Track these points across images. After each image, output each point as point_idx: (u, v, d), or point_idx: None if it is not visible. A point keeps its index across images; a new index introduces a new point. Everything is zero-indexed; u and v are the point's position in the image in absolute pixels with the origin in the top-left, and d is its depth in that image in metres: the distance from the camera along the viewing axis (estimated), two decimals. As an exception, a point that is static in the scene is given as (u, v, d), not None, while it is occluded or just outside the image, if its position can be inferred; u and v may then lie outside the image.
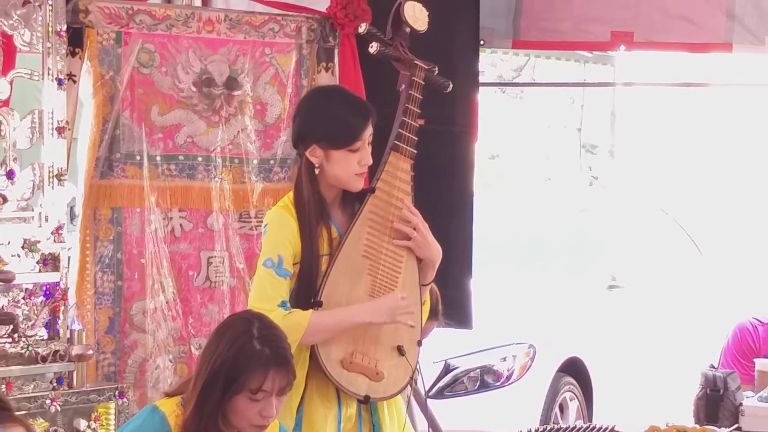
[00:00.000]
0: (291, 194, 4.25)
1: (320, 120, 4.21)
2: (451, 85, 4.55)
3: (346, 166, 4.20)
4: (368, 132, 4.23)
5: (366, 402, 4.21)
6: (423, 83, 4.41)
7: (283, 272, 4.11)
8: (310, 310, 4.10)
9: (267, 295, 4.08)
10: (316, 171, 4.20)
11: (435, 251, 4.31)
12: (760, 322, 6.39)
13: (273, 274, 4.10)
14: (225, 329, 3.67)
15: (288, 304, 4.09)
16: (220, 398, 3.55)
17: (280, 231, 4.15)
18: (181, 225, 5.46)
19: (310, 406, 4.18)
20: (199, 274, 5.46)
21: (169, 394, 3.72)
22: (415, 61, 4.42)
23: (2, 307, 4.82)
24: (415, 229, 4.26)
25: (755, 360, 6.04)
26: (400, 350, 4.23)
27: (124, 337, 5.33)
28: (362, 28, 4.50)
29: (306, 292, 4.15)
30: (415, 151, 4.35)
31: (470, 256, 5.86)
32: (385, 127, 4.38)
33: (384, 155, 4.32)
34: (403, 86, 4.41)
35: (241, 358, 3.56)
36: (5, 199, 4.78)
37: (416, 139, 4.36)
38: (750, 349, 6.36)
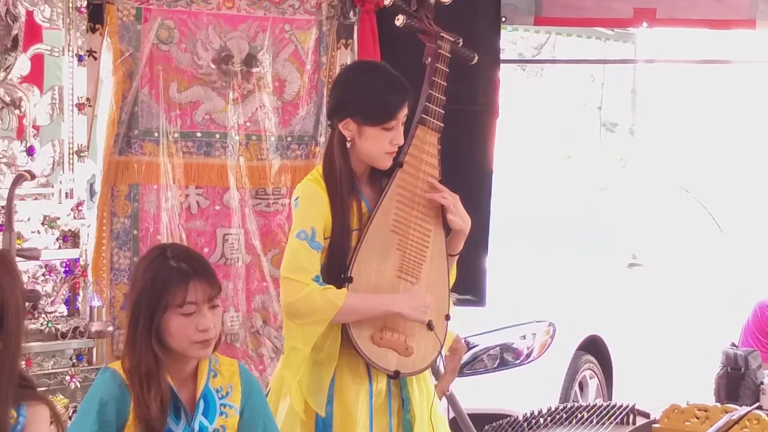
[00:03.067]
0: (320, 168, 4.23)
1: (358, 94, 4.18)
2: (477, 57, 4.52)
3: (378, 144, 4.18)
4: (404, 112, 4.21)
5: (396, 377, 4.21)
6: (449, 56, 4.38)
7: (315, 245, 4.09)
8: (345, 290, 4.09)
9: (302, 266, 4.07)
10: (348, 145, 4.19)
11: (467, 221, 4.31)
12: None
13: (306, 247, 4.08)
14: (140, 262, 3.70)
15: (321, 279, 4.09)
16: (149, 323, 3.54)
17: (311, 204, 4.14)
18: (197, 202, 5.46)
19: (342, 382, 4.19)
20: (214, 251, 5.46)
21: (118, 357, 3.72)
22: (442, 33, 4.39)
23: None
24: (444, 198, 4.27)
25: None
26: (429, 325, 4.23)
27: (139, 313, 5.33)
28: (387, 0, 4.46)
29: (337, 267, 4.14)
30: (442, 125, 4.33)
31: (487, 234, 5.85)
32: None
33: (411, 129, 4.29)
34: (429, 59, 4.38)
35: (159, 278, 3.56)
36: (33, 176, 4.78)
37: (443, 112, 4.33)
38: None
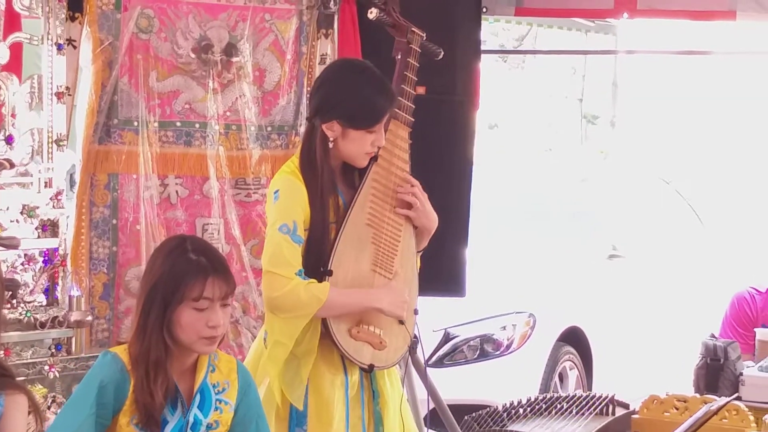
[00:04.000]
0: (295, 160, 4.23)
1: (348, 98, 4.18)
2: (443, 53, 4.53)
3: (360, 146, 4.20)
4: (388, 115, 4.22)
5: (370, 371, 4.24)
6: (419, 50, 4.39)
7: (297, 239, 4.10)
8: (327, 284, 4.10)
9: (285, 260, 4.07)
10: (330, 144, 4.19)
11: (433, 220, 4.33)
12: (758, 291, 6.39)
13: (289, 240, 4.08)
14: (158, 251, 3.68)
15: (303, 273, 4.09)
16: (162, 313, 3.55)
17: (292, 197, 4.14)
18: (177, 192, 5.45)
19: (317, 374, 4.20)
20: (194, 242, 5.44)
21: (120, 343, 3.73)
22: (412, 28, 4.39)
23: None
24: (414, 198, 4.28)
25: (756, 330, 6.04)
26: (400, 319, 4.24)
27: (118, 302, 5.33)
28: None
29: (316, 260, 4.15)
30: (413, 120, 4.34)
31: (467, 225, 5.85)
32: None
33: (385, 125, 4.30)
34: (400, 54, 4.39)
35: (177, 269, 3.56)
36: (11, 164, 4.75)
37: (414, 107, 4.35)
38: (748, 318, 6.36)
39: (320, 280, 4.12)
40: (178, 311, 3.55)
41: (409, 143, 4.34)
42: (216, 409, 3.67)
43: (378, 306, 4.18)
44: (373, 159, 4.26)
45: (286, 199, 4.15)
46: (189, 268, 3.56)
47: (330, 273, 4.14)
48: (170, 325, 3.56)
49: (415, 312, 4.34)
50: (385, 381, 4.32)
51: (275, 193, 4.18)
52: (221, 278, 3.58)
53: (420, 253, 4.40)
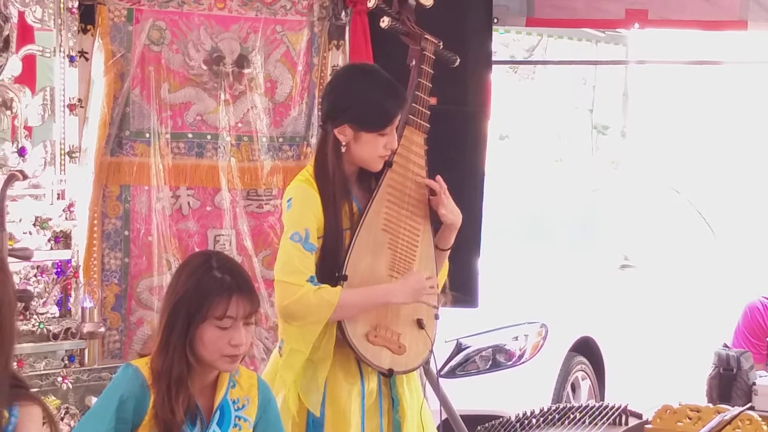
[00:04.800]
0: (310, 168, 4.24)
1: (357, 102, 4.19)
2: (459, 60, 4.55)
3: (373, 149, 4.21)
4: (399, 117, 4.23)
5: (389, 375, 4.22)
6: (433, 57, 4.41)
7: (309, 246, 4.10)
8: (339, 288, 4.11)
9: (296, 269, 4.07)
10: (342, 149, 4.19)
11: (457, 214, 4.34)
12: (769, 298, 6.39)
13: (300, 248, 4.09)
14: (183, 266, 3.68)
15: (315, 279, 4.09)
16: (185, 330, 3.54)
17: (304, 205, 4.15)
18: (189, 203, 5.46)
19: (334, 382, 4.20)
20: (205, 253, 5.44)
21: (141, 355, 3.71)
22: (425, 35, 4.41)
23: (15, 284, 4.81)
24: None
25: (768, 339, 6.04)
26: (420, 324, 4.25)
27: (130, 314, 5.34)
28: (371, 2, 4.49)
29: (331, 266, 4.16)
30: (428, 126, 4.36)
31: (479, 236, 5.85)
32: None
33: (398, 129, 4.31)
34: (414, 61, 4.41)
35: (202, 287, 3.56)
36: (24, 176, 4.77)
37: (429, 113, 4.38)
38: (761, 327, 6.36)
39: (335, 286, 4.12)
40: (201, 329, 3.55)
41: (425, 149, 4.34)
42: (235, 426, 3.66)
43: (393, 300, 4.17)
44: (388, 164, 4.27)
45: (299, 207, 4.16)
46: (213, 285, 3.56)
47: (345, 278, 4.14)
48: (193, 342, 3.56)
49: (436, 317, 4.32)
50: (404, 388, 4.30)
51: (288, 201, 4.19)
52: (245, 297, 3.58)
53: (447, 252, 4.38)
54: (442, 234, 4.35)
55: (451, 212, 4.31)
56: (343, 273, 4.14)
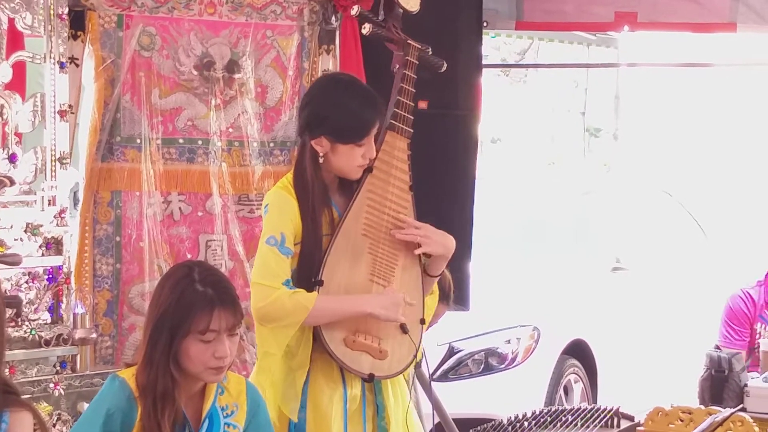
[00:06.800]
0: (290, 176, 4.25)
1: (332, 114, 4.18)
2: (446, 65, 4.54)
3: (351, 159, 4.21)
4: (376, 127, 4.23)
5: (370, 380, 4.21)
6: (417, 63, 4.41)
7: (285, 250, 4.11)
8: (315, 293, 4.10)
9: (271, 272, 4.08)
10: (320, 160, 4.20)
11: (447, 246, 4.29)
12: (750, 289, 6.42)
13: (276, 252, 4.10)
14: (165, 279, 3.68)
15: (291, 283, 4.10)
16: (168, 345, 3.54)
17: (281, 210, 4.16)
18: (180, 208, 5.46)
19: (315, 387, 4.19)
20: (197, 258, 5.45)
21: (129, 365, 3.71)
22: (409, 41, 4.42)
23: (5, 291, 4.81)
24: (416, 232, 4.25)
25: (760, 341, 6.05)
26: (403, 328, 4.23)
27: (121, 319, 5.34)
28: (354, 10, 4.50)
29: (307, 272, 4.16)
30: (412, 131, 4.35)
31: (470, 239, 5.86)
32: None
33: (380, 134, 4.30)
34: (398, 66, 4.42)
35: (184, 301, 3.55)
36: (12, 182, 4.77)
37: (412, 118, 4.36)
38: (743, 314, 6.40)
39: (311, 291, 4.11)
40: (185, 343, 3.55)
41: (408, 154, 4.33)
42: None
43: (369, 310, 4.14)
44: (368, 170, 4.26)
45: (276, 213, 4.16)
46: (195, 299, 3.56)
47: (321, 283, 4.14)
48: (177, 355, 3.56)
49: (422, 321, 4.31)
50: (389, 394, 4.29)
51: (266, 207, 4.21)
52: (228, 310, 3.58)
53: (437, 278, 4.36)
54: (432, 262, 4.33)
55: (438, 246, 4.28)
56: (320, 278, 4.14)
